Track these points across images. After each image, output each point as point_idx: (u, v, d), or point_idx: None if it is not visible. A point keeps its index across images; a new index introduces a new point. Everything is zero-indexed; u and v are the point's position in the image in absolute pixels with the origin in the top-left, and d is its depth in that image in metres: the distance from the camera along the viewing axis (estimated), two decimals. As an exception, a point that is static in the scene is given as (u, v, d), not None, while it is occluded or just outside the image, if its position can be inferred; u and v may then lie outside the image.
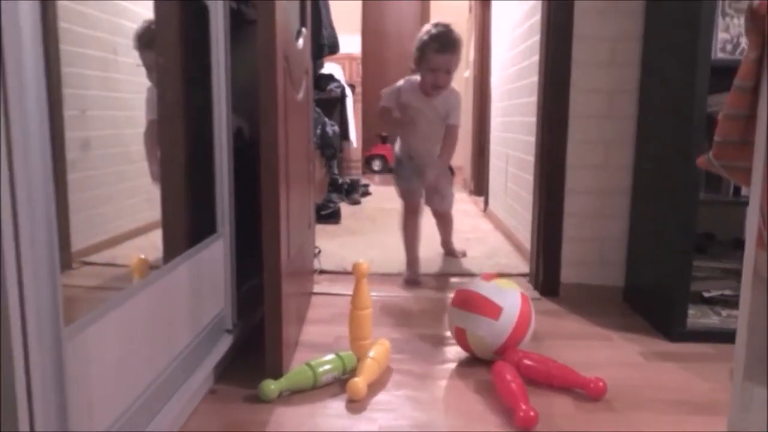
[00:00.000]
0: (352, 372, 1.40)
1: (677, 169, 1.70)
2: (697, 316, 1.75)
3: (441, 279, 2.34)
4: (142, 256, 1.19)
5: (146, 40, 1.19)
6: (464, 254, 2.65)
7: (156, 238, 1.25)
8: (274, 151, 1.30)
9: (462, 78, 4.93)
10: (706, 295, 1.85)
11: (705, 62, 1.58)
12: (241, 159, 1.53)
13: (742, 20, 1.53)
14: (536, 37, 2.30)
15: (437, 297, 2.11)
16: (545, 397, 1.34)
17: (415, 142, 2.34)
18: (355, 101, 5.65)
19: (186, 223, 1.37)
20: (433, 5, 6.83)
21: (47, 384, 0.72)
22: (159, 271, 1.13)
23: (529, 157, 2.40)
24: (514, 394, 1.25)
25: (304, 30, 1.85)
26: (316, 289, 2.13)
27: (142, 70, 1.21)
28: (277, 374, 1.34)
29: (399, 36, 6.79)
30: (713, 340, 1.66)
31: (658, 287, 1.83)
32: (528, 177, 2.44)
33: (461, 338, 1.54)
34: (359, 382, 1.32)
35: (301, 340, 1.67)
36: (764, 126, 0.92)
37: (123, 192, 1.17)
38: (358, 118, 5.80)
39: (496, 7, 3.79)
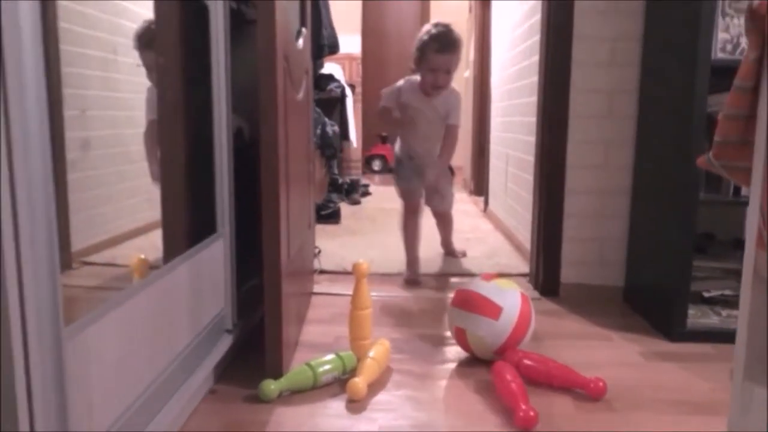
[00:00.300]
0: (352, 372, 1.40)
1: (677, 169, 1.70)
2: (697, 316, 1.75)
3: (441, 279, 2.34)
4: (142, 256, 1.19)
5: (146, 40, 1.19)
6: (464, 254, 2.65)
7: (156, 238, 1.25)
8: (274, 151, 1.30)
9: (462, 78, 4.93)
10: (706, 295, 1.85)
11: (705, 62, 1.58)
12: (241, 159, 1.53)
13: (742, 20, 1.53)
14: (536, 37, 2.30)
15: (437, 297, 2.11)
16: (545, 397, 1.34)
17: (415, 142, 2.34)
18: (355, 101, 5.65)
19: (186, 223, 1.37)
20: (433, 5, 6.83)
21: (47, 384, 0.72)
22: (159, 271, 1.13)
23: (529, 157, 2.40)
24: (514, 394, 1.25)
25: (304, 30, 1.85)
26: (316, 289, 2.14)
27: (142, 70, 1.21)
28: (277, 374, 1.34)
29: (399, 36, 6.79)
30: (713, 340, 1.66)
31: (658, 287, 1.83)
32: (528, 177, 2.44)
33: (461, 338, 1.54)
34: (359, 382, 1.32)
35: (301, 340, 1.67)
36: (764, 126, 0.92)
37: (123, 192, 1.17)
38: (358, 118, 5.80)
39: (496, 7, 3.79)
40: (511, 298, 1.51)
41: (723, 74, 1.27)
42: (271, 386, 1.30)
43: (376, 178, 6.18)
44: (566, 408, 1.31)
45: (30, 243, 0.68)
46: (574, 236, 2.12)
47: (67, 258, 0.90)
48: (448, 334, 1.64)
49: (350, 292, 1.51)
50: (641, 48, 2.00)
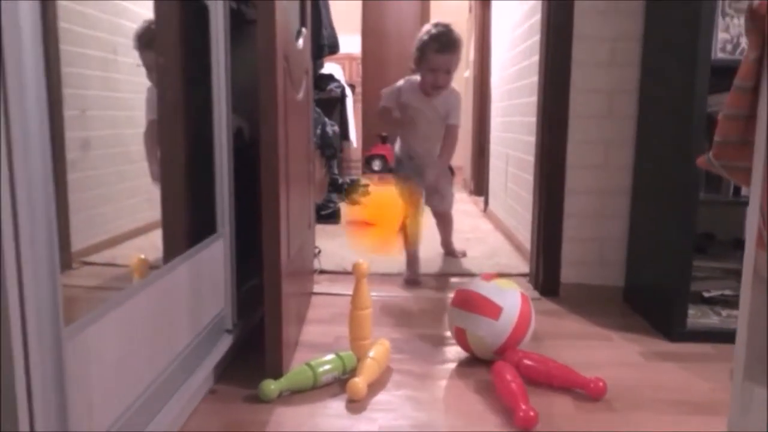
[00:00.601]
0: (352, 372, 1.40)
1: (677, 169, 1.70)
2: (697, 316, 1.75)
3: (441, 279, 2.34)
4: (142, 256, 1.19)
5: (146, 40, 1.19)
6: (464, 254, 2.65)
7: (156, 238, 1.25)
8: (274, 151, 1.30)
9: (462, 78, 4.93)
10: (706, 295, 1.85)
11: (705, 62, 1.58)
12: (241, 159, 1.53)
13: (742, 20, 1.53)
14: (536, 37, 2.30)
15: (437, 297, 2.11)
16: (545, 397, 1.34)
17: (415, 142, 2.34)
18: (355, 101, 5.64)
19: (186, 223, 1.37)
20: (433, 5, 6.82)
21: (47, 384, 0.72)
22: (159, 271, 1.13)
23: (529, 157, 2.40)
24: (514, 394, 1.25)
25: (304, 30, 1.85)
26: (316, 289, 2.13)
27: (142, 70, 1.21)
28: (277, 374, 1.34)
29: (399, 36, 6.79)
30: (713, 340, 1.66)
31: (658, 287, 1.83)
32: (528, 177, 2.43)
33: (461, 338, 1.54)
34: (359, 382, 1.32)
35: (301, 340, 1.67)
36: (764, 126, 0.92)
37: (123, 192, 1.17)
38: (358, 118, 5.79)
39: (496, 7, 3.79)
40: (511, 298, 1.51)
41: (723, 74, 1.27)
42: (271, 386, 1.30)
43: (376, 178, 6.17)
44: (566, 408, 1.31)
45: (30, 243, 0.68)
46: (574, 236, 2.12)
47: (67, 258, 0.90)
48: (448, 334, 1.64)
49: (350, 292, 1.51)
50: (641, 48, 2.00)
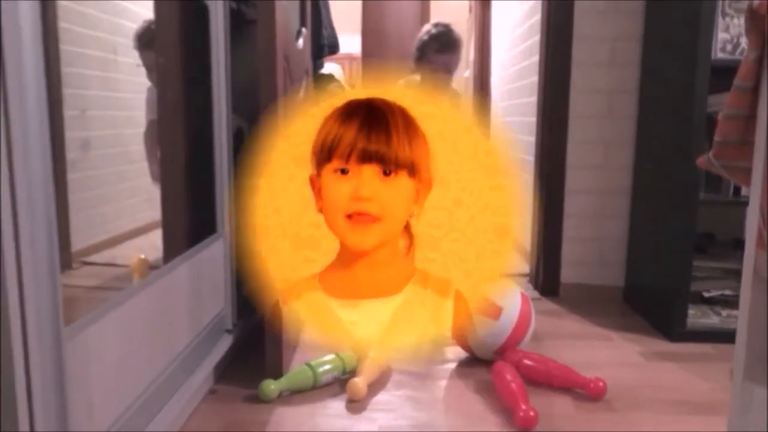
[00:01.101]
0: (352, 372, 1.40)
1: (677, 169, 1.70)
2: (697, 316, 1.75)
3: (441, 279, 2.34)
4: (142, 256, 1.19)
5: (146, 40, 1.19)
6: (464, 254, 2.65)
7: (156, 238, 1.25)
8: (274, 151, 1.30)
9: (462, 78, 4.93)
10: (706, 295, 1.85)
11: (705, 62, 1.58)
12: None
13: (742, 20, 1.53)
14: (536, 37, 2.30)
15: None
16: (545, 397, 1.34)
17: (415, 142, 2.34)
18: (355, 101, 5.64)
19: (186, 223, 1.37)
20: (433, 5, 6.81)
21: (47, 384, 0.72)
22: (159, 271, 1.13)
23: (529, 157, 2.40)
24: (514, 394, 1.25)
25: (304, 30, 1.85)
26: (316, 289, 2.13)
27: (142, 70, 1.21)
28: (277, 374, 1.34)
29: (399, 36, 6.78)
30: (713, 340, 1.66)
31: (658, 287, 1.83)
32: (528, 177, 2.43)
33: (461, 338, 1.54)
34: (359, 382, 1.32)
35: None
36: (764, 126, 0.92)
37: (123, 192, 1.17)
38: (358, 118, 5.79)
39: (496, 7, 3.79)
40: (511, 298, 1.51)
41: (723, 74, 1.27)
42: (271, 386, 1.30)
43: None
44: (566, 408, 1.31)
45: (30, 243, 0.68)
46: (574, 236, 2.12)
47: (67, 258, 0.91)
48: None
49: (350, 292, 1.51)
50: (641, 48, 2.00)
